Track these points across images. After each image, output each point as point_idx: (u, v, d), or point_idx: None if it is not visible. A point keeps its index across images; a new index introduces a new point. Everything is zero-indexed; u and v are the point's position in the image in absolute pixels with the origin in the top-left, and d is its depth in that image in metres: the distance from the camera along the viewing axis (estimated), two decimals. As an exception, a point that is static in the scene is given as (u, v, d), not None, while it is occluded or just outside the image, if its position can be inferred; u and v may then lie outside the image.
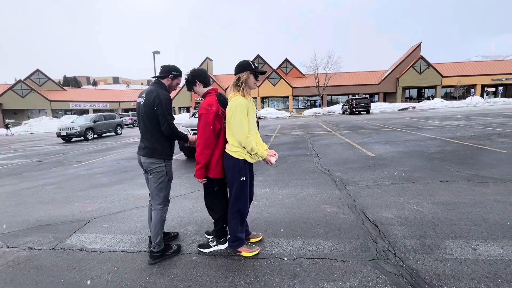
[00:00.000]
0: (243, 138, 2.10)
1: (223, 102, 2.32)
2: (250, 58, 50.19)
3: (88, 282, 2.10)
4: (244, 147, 2.16)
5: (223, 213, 2.43)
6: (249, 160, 2.23)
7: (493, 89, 30.99)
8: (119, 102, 51.38)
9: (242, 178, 2.22)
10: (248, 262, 2.23)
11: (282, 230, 2.77)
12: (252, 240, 2.55)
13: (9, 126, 26.32)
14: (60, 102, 45.24)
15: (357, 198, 3.50)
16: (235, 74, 2.23)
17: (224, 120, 2.27)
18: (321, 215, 3.07)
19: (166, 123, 2.26)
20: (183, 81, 2.57)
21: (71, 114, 42.99)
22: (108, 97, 51.80)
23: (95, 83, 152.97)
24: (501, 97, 31.07)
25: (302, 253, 2.31)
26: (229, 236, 2.39)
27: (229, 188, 2.33)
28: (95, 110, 46.73)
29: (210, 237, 2.64)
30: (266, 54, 53.01)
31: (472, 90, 32.01)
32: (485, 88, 32.94)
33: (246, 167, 2.23)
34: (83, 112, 45.19)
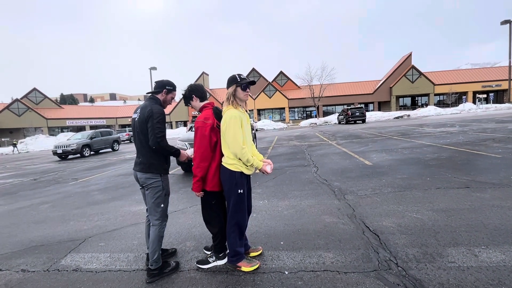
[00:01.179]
0: (238, 149, 2.11)
1: (219, 115, 2.34)
2: (246, 71, 51.07)
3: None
4: (239, 159, 2.16)
5: (222, 228, 2.40)
6: (246, 172, 2.23)
7: (485, 96, 31.64)
8: (116, 118, 51.45)
9: (239, 191, 2.20)
10: (248, 277, 2.17)
11: (282, 243, 2.72)
12: (252, 254, 2.50)
13: (16, 144, 26.54)
14: (57, 120, 45.19)
15: (357, 208, 3.48)
16: (227, 89, 2.27)
17: (218, 134, 2.29)
18: (321, 226, 3.03)
19: (153, 136, 2.22)
20: (179, 95, 2.61)
21: (67, 131, 42.83)
22: (105, 113, 51.92)
23: (92, 100, 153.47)
24: (493, 103, 31.70)
25: (303, 266, 2.27)
26: (228, 250, 2.35)
27: (226, 202, 2.31)
28: (92, 127, 46.65)
29: (209, 252, 2.59)
30: (261, 67, 53.98)
31: (464, 97, 32.64)
32: (477, 94, 33.62)
33: (243, 179, 2.23)
34: (80, 129, 45.12)
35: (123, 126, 48.68)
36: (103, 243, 3.14)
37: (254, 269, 2.26)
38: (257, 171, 2.30)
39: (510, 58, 29.29)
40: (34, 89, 46.16)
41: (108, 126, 47.35)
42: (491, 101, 31.28)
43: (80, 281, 2.35)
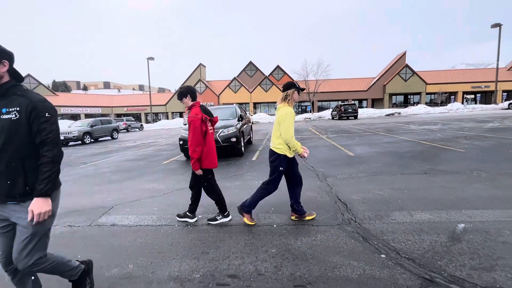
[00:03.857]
0: (289, 138, 2.83)
1: (205, 111, 3.11)
2: (243, 63, 51.28)
3: (127, 243, 2.80)
4: (287, 144, 2.87)
5: (219, 195, 3.19)
6: (288, 155, 2.96)
7: (473, 96, 32.89)
8: (112, 107, 51.35)
9: (281, 168, 2.95)
10: (247, 228, 2.97)
11: (272, 209, 3.52)
12: (308, 218, 3.12)
13: None
14: (51, 107, 44.92)
15: (334, 187, 4.29)
16: (283, 91, 3.00)
17: (206, 125, 3.01)
18: (304, 198, 3.82)
19: None
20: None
21: (60, 118, 42.58)
22: (100, 102, 51.72)
23: (85, 88, 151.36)
24: (480, 103, 33.03)
25: (287, 222, 3.07)
26: (248, 201, 3.07)
27: (270, 174, 3.05)
28: (86, 115, 46.55)
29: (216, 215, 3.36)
30: (258, 61, 54.17)
31: (452, 97, 33.91)
32: (465, 95, 34.88)
33: (285, 160, 2.96)
34: (74, 117, 45.06)
35: (119, 115, 48.68)
36: (128, 209, 3.88)
37: (253, 224, 3.05)
38: (298, 155, 3.00)
39: (498, 61, 30.45)
40: (28, 75, 45.57)
41: (103, 115, 47.31)
42: (478, 101, 32.58)
43: (119, 232, 3.11)
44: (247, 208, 3.08)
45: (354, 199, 3.66)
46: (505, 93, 36.74)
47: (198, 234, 2.90)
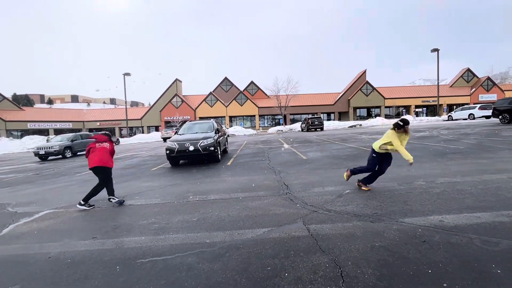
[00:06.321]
0: (401, 150, 4.40)
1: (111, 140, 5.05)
2: (218, 79, 53.47)
3: (145, 212, 4.37)
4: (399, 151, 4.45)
5: (96, 189, 4.93)
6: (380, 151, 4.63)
7: (421, 109, 37.90)
8: (84, 122, 50.23)
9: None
10: (221, 200, 4.68)
11: (239, 191, 5.28)
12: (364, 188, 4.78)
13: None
14: (17, 122, 43.13)
15: (283, 178, 6.17)
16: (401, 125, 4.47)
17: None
18: (262, 184, 5.65)
19: None
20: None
21: (20, 135, 40.83)
22: (70, 116, 50.39)
23: (50, 102, 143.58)
24: (426, 116, 38.10)
25: (248, 195, 4.85)
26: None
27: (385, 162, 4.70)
28: (56, 131, 45.15)
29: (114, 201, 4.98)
30: (233, 77, 56.59)
31: (404, 110, 38.79)
32: (415, 108, 39.88)
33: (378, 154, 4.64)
34: (40, 132, 43.58)
35: (91, 130, 47.75)
36: (137, 197, 5.41)
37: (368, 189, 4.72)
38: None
39: (438, 80, 35.72)
40: (-8, 89, 43.47)
41: (73, 130, 46.12)
42: (425, 114, 37.65)
43: (136, 208, 4.66)
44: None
45: (294, 183, 5.55)
46: (446, 107, 42.70)
47: (193, 204, 4.57)
